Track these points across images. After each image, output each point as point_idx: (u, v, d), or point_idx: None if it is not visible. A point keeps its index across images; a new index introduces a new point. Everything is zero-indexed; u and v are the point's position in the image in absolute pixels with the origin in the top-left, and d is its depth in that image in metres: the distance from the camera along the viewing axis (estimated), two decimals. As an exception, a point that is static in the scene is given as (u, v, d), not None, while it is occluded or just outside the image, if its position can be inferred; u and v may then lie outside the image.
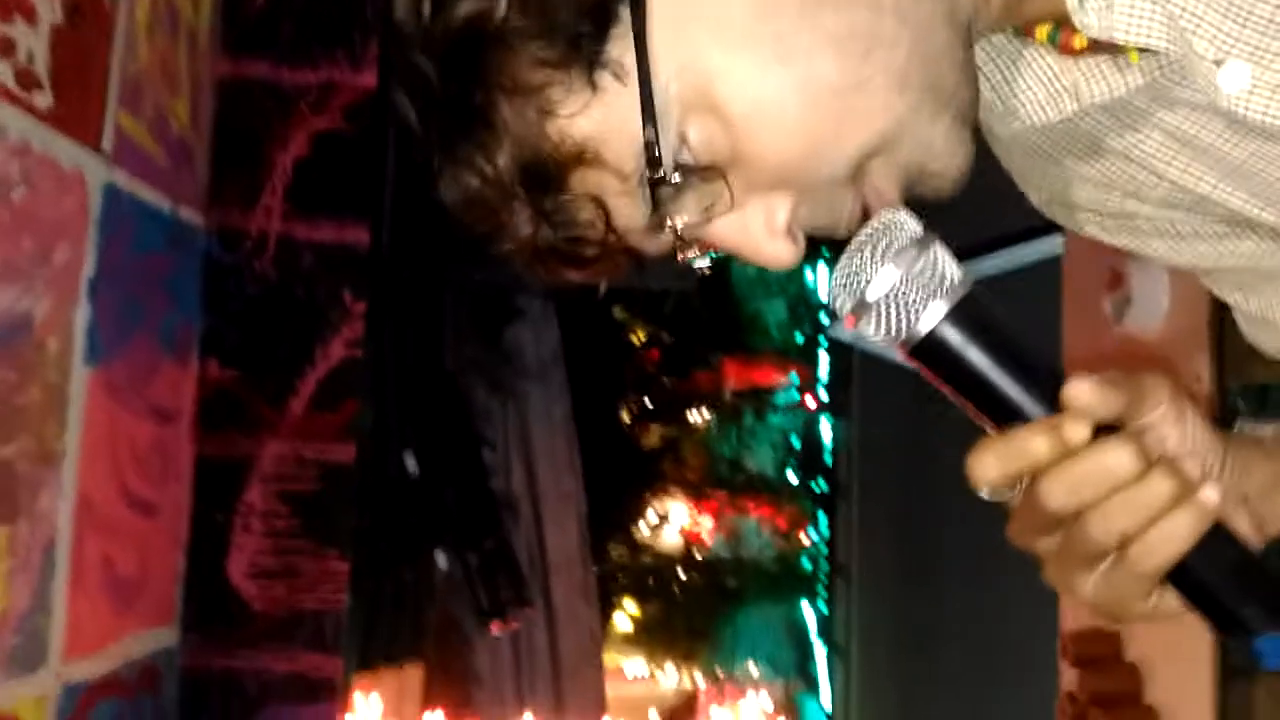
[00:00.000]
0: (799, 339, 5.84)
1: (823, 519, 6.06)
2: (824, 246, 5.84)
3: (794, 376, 5.99)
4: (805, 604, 6.13)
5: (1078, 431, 0.60)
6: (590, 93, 0.65)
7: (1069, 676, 2.28)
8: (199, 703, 1.98)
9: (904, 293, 0.62)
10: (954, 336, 0.62)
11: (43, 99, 1.50)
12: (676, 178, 0.66)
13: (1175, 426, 0.64)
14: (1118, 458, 0.60)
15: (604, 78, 0.65)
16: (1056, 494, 0.61)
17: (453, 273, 2.67)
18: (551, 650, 3.55)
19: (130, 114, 1.75)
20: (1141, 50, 0.70)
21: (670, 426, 5.96)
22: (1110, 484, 0.59)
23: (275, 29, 2.08)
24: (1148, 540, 0.60)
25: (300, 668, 2.02)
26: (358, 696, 2.77)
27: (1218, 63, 0.66)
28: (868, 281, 0.62)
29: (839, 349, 5.62)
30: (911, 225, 0.64)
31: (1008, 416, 0.62)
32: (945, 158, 0.70)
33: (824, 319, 5.58)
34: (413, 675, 3.15)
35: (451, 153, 0.70)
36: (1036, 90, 0.74)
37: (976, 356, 0.62)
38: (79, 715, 1.66)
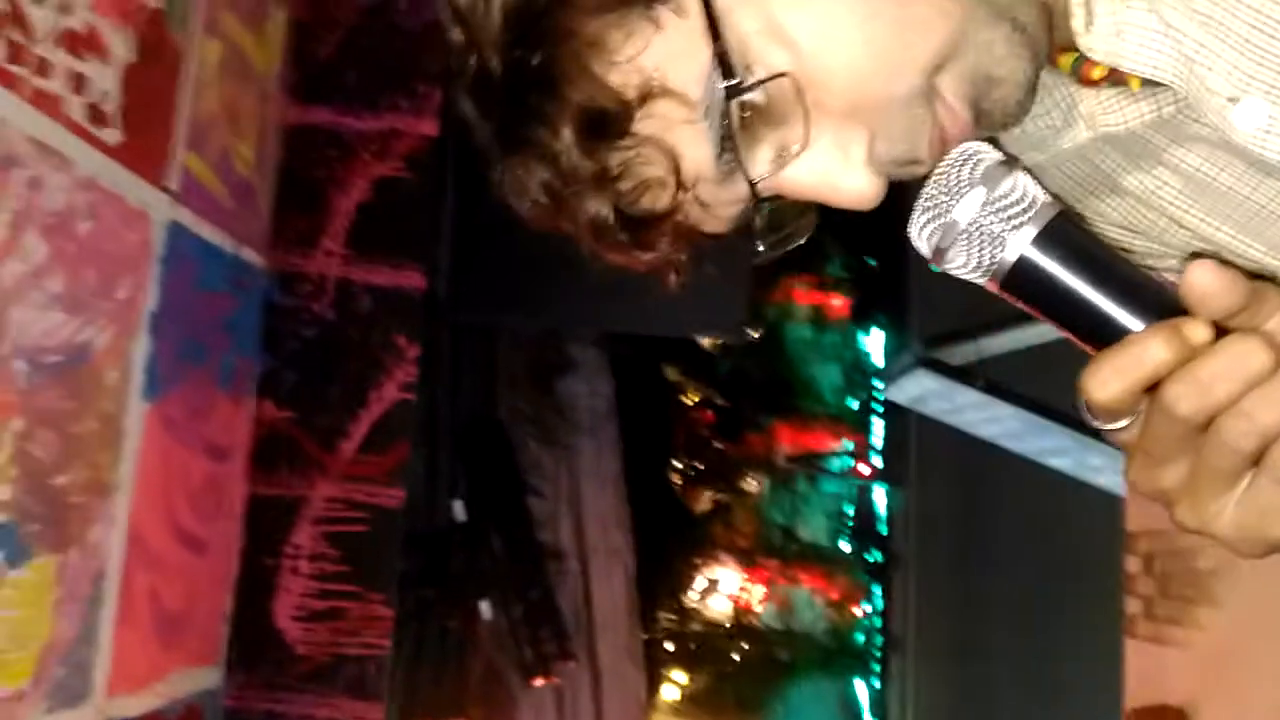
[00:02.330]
0: (853, 404, 5.78)
1: (877, 591, 5.94)
2: (879, 312, 5.78)
3: (848, 443, 5.91)
4: (858, 680, 5.99)
5: (1200, 330, 0.56)
6: (651, 30, 0.65)
7: (1134, 755, 2.18)
8: (240, 746, 1.97)
9: (990, 218, 0.60)
10: (1045, 260, 0.59)
11: (112, 135, 1.54)
12: (746, 98, 0.64)
13: None
14: (1249, 348, 0.55)
15: (663, 14, 0.64)
16: (1189, 398, 0.55)
17: (507, 320, 2.69)
18: (596, 713, 3.49)
19: (197, 154, 1.79)
20: (1147, 82, 0.69)
21: (722, 490, 5.91)
22: (1244, 379, 0.55)
23: (341, 77, 2.13)
24: None
25: (341, 715, 1.99)
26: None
27: (1233, 100, 0.65)
28: (953, 207, 0.61)
29: (895, 415, 5.54)
30: (991, 152, 0.62)
31: (1113, 337, 0.58)
32: (1007, 63, 0.67)
33: (878, 384, 5.52)
34: (455, 731, 3.11)
35: (515, 137, 0.68)
36: (1054, 115, 0.74)
37: (1071, 278, 0.59)
38: (119, 752, 1.64)
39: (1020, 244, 0.60)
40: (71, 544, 1.50)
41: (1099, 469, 3.13)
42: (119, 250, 1.59)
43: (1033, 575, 3.89)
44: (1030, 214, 0.60)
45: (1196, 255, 0.79)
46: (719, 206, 0.69)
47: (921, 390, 3.34)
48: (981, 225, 0.61)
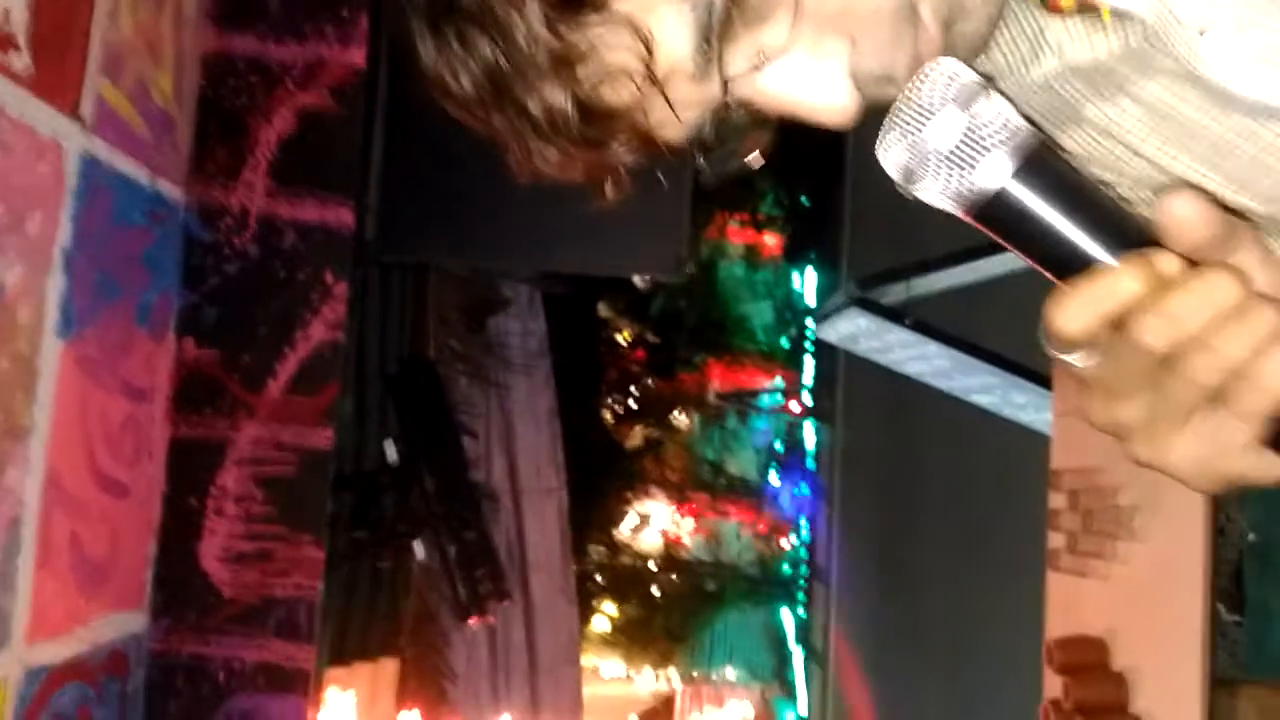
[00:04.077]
0: (784, 343, 5.82)
1: (804, 524, 6.05)
2: (812, 251, 5.81)
3: (779, 380, 5.97)
4: (784, 609, 6.12)
5: (1171, 263, 0.55)
6: None
7: (1053, 684, 2.25)
8: (167, 690, 1.94)
9: (965, 142, 0.56)
10: (1022, 192, 0.56)
11: (19, 60, 1.45)
12: None
13: (1261, 269, 0.59)
14: (1220, 283, 0.55)
15: None
16: (1157, 328, 0.55)
17: (439, 259, 2.64)
18: (529, 648, 3.51)
19: (112, 83, 1.71)
20: (1116, 13, 0.68)
21: (653, 427, 5.93)
22: (1213, 313, 0.55)
23: (263, 3, 2.04)
24: (1255, 373, 0.55)
25: (271, 656, 1.97)
26: (331, 691, 2.72)
27: (1201, 31, 0.64)
28: (925, 126, 0.56)
29: (824, 353, 5.60)
30: (967, 71, 0.58)
31: (1084, 270, 0.57)
32: None
33: (810, 323, 5.56)
34: (387, 669, 3.10)
35: (464, 5, 0.61)
36: (1020, 45, 0.72)
37: (1046, 211, 0.56)
38: (41, 700, 1.61)
39: (996, 173, 0.57)
40: (-15, 489, 1.44)
41: (1023, 406, 3.20)
42: (29, 183, 1.52)
43: (958, 510, 3.98)
44: (1007, 141, 0.57)
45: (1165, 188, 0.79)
46: (683, 107, 0.63)
47: (853, 329, 3.36)
48: (955, 149, 0.57)
